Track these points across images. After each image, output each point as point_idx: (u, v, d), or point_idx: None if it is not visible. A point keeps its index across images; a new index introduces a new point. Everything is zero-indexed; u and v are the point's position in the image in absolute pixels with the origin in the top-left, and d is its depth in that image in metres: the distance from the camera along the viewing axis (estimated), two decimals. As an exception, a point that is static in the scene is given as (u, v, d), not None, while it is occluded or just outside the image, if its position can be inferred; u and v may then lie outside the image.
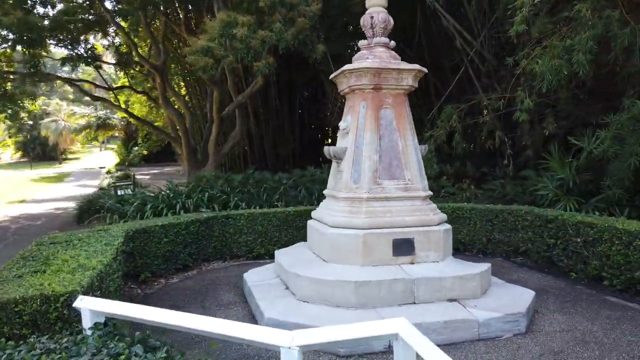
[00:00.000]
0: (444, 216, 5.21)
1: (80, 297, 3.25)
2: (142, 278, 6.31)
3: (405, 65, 5.11)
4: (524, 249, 7.24)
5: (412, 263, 4.89)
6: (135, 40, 15.45)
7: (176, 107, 15.10)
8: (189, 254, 6.98)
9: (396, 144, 5.13)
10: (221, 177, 11.13)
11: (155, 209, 8.00)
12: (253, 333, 2.57)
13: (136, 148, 33.32)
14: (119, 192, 14.15)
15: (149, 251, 6.39)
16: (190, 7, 12.37)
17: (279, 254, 5.74)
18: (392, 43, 5.36)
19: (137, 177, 24.69)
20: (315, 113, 19.83)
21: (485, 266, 5.04)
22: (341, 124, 5.37)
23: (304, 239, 7.69)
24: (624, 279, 5.56)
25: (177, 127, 14.67)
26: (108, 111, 34.14)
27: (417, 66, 5.14)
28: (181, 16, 11.22)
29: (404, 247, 4.87)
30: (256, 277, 5.64)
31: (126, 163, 30.74)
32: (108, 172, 26.88)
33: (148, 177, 24.96)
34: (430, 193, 5.23)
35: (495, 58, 12.44)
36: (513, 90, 10.99)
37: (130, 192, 13.95)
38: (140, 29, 14.72)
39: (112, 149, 44.10)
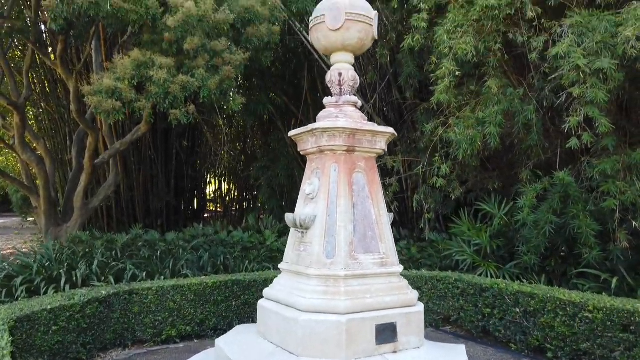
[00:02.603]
0: (417, 292, 4.75)
1: None
2: (22, 384, 4.69)
3: (380, 128, 4.69)
4: (455, 318, 7.10)
5: (394, 352, 4.28)
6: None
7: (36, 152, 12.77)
8: (83, 344, 5.44)
9: (369, 212, 4.60)
10: (100, 238, 9.40)
11: (30, 285, 6.20)
12: None
13: (-42, 195, 27.69)
14: (-53, 254, 11.25)
15: (33, 345, 4.80)
16: (73, 40, 10.67)
17: (223, 344, 4.67)
18: (360, 103, 4.94)
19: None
20: (192, 164, 18.56)
21: (462, 349, 4.64)
22: (306, 188, 4.69)
23: (223, 315, 6.63)
24: (569, 351, 5.60)
25: (35, 176, 12.33)
26: None
27: (391, 129, 4.77)
28: (58, 48, 9.55)
29: (386, 334, 4.25)
30: (195, 377, 4.49)
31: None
32: None
33: (-27, 231, 20.75)
34: (402, 267, 4.75)
35: (385, 123, 12.90)
36: (407, 154, 11.46)
37: (-35, 254, 11.17)
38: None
39: None
